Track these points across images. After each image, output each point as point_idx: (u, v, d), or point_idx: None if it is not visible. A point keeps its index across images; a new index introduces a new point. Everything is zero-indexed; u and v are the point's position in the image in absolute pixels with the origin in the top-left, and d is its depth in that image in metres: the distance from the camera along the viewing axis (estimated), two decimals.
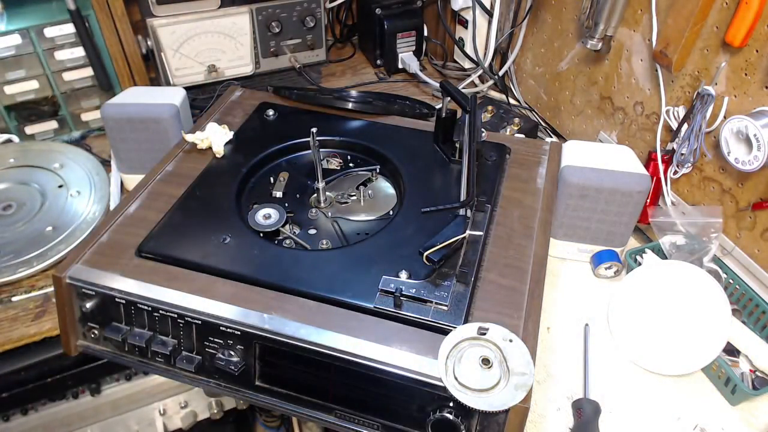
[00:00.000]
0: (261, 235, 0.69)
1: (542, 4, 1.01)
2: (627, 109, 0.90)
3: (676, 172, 0.82)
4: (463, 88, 1.13)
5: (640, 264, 0.78)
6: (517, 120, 1.02)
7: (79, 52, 0.93)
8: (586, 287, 0.82)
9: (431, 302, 0.58)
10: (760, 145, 0.65)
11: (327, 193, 0.76)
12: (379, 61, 1.23)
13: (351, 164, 0.81)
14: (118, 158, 0.90)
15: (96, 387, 0.94)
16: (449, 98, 0.76)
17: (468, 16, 1.10)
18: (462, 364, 0.53)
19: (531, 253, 0.66)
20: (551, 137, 1.07)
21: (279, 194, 0.76)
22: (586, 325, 0.76)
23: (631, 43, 0.85)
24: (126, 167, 0.90)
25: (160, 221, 0.68)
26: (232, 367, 0.59)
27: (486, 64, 1.11)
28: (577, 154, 0.79)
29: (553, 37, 1.01)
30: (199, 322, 0.59)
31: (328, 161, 0.82)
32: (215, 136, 0.78)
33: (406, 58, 1.20)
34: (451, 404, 0.54)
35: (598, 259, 0.81)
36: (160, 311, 0.60)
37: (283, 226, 0.70)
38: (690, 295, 0.71)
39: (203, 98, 1.06)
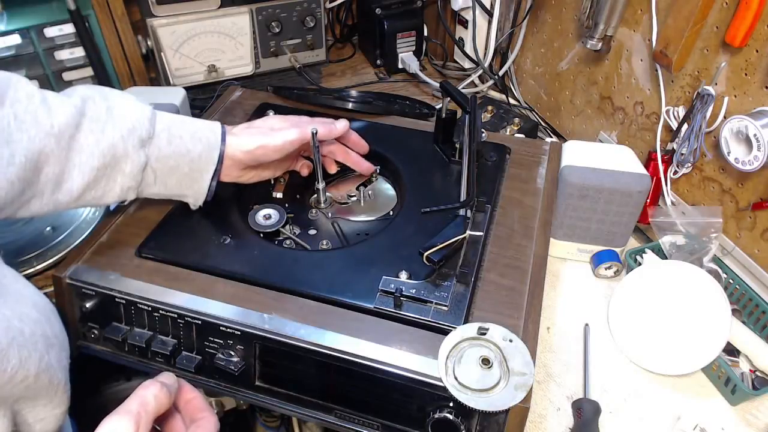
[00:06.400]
0: (261, 235, 0.69)
1: (542, 4, 1.01)
2: (627, 109, 0.90)
3: (676, 172, 0.82)
4: (463, 88, 1.13)
5: (640, 264, 0.78)
6: (517, 120, 1.01)
7: (79, 52, 0.93)
8: (586, 287, 0.82)
9: (431, 302, 0.58)
10: (760, 145, 0.65)
11: (327, 194, 0.76)
12: (379, 61, 1.23)
13: None
14: None
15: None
16: (449, 98, 0.76)
17: (468, 16, 1.10)
18: (462, 364, 0.53)
19: (531, 253, 0.66)
20: (551, 137, 1.07)
21: (279, 195, 0.76)
22: (586, 325, 0.76)
23: (631, 43, 0.85)
24: None
25: (161, 221, 0.68)
26: (232, 367, 0.59)
27: (486, 64, 1.11)
28: (577, 154, 0.79)
29: (553, 37, 1.01)
30: (199, 322, 0.59)
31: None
32: None
33: (406, 58, 1.20)
34: (451, 404, 0.54)
35: (598, 259, 0.81)
36: (160, 311, 0.60)
37: (283, 226, 0.70)
38: (690, 295, 0.71)
39: (203, 98, 1.06)
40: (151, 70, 1.04)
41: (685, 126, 0.77)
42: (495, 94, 1.15)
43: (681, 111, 0.79)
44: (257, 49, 1.06)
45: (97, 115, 0.57)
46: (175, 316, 0.60)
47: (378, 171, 0.79)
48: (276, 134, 0.66)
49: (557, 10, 0.98)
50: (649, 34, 0.80)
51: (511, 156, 0.80)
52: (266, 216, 0.71)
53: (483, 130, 0.80)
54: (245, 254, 0.64)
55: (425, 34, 1.22)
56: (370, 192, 0.78)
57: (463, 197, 0.69)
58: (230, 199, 0.71)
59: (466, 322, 0.57)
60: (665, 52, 0.76)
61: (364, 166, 0.76)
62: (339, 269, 0.62)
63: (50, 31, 0.90)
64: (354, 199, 0.77)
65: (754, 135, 0.66)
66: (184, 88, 0.94)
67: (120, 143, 0.57)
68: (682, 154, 0.79)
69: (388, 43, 1.18)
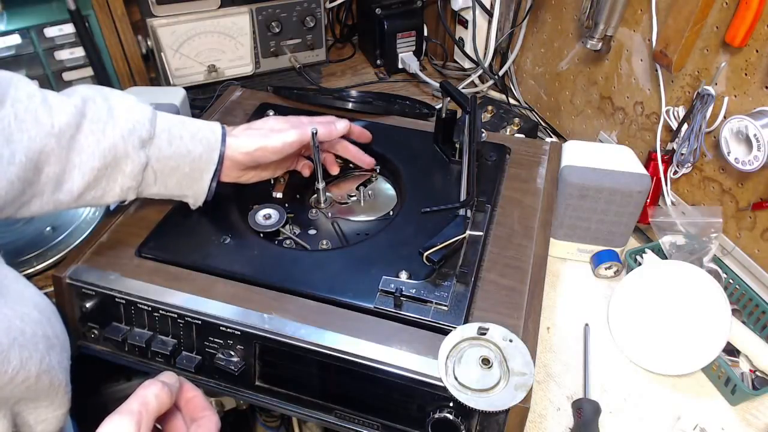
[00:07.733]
0: (261, 235, 0.69)
1: (542, 4, 1.01)
2: (627, 109, 0.90)
3: (676, 172, 0.82)
4: (463, 88, 1.13)
5: (640, 264, 0.78)
6: (517, 120, 1.01)
7: (79, 52, 0.93)
8: (586, 287, 0.82)
9: (431, 302, 0.58)
10: (760, 145, 0.65)
11: (327, 194, 0.76)
12: (379, 61, 1.23)
13: (351, 164, 0.81)
14: None
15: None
16: (449, 98, 0.76)
17: (468, 16, 1.10)
18: (462, 364, 0.53)
19: (531, 253, 0.66)
20: (551, 137, 1.07)
21: (279, 195, 0.76)
22: (586, 325, 0.76)
23: (631, 43, 0.85)
24: None
25: (161, 221, 0.68)
26: (232, 367, 0.59)
27: (486, 64, 1.11)
28: (577, 154, 0.79)
29: (553, 37, 1.01)
30: (199, 322, 0.59)
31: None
32: None
33: (406, 58, 1.20)
34: (451, 404, 0.54)
35: (598, 259, 0.81)
36: (160, 311, 0.60)
37: (283, 226, 0.70)
38: (690, 295, 0.71)
39: (203, 98, 1.06)
40: (151, 70, 1.04)
41: (685, 126, 0.77)
42: (495, 94, 1.15)
43: (681, 111, 0.79)
44: (257, 49, 1.06)
45: (98, 116, 0.57)
46: (175, 316, 0.60)
47: (378, 171, 0.79)
48: (275, 136, 0.66)
49: (557, 10, 0.98)
50: (649, 34, 0.80)
51: (511, 156, 0.80)
52: (266, 216, 0.71)
53: (483, 130, 0.80)
54: (245, 254, 0.64)
55: (425, 34, 1.22)
56: (370, 192, 0.78)
57: (463, 197, 0.69)
58: (230, 199, 0.71)
59: (466, 322, 0.57)
60: (665, 52, 0.76)
61: (365, 160, 0.76)
62: (339, 269, 0.62)
63: (50, 31, 0.90)
64: (354, 199, 0.77)
65: (754, 135, 0.66)
66: (184, 88, 0.94)
67: (120, 143, 0.57)
68: (682, 154, 0.79)
69: (388, 43, 1.18)
